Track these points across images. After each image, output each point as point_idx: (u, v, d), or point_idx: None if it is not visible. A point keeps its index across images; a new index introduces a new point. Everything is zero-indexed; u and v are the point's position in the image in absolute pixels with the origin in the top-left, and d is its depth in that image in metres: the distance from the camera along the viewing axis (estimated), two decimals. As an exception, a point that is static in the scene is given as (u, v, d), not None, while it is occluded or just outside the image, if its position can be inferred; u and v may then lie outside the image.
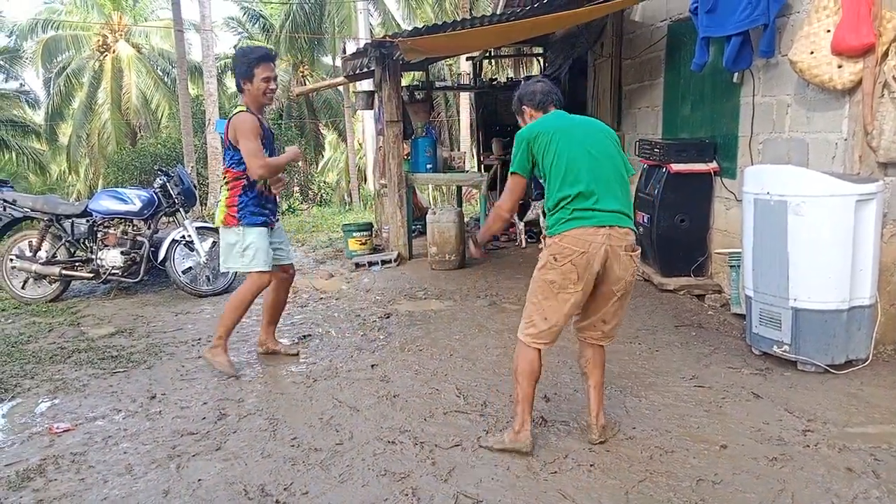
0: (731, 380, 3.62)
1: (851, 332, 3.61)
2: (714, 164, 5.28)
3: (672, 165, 5.28)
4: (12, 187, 6.35)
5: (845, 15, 3.78)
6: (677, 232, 5.38)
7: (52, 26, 25.38)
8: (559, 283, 2.74)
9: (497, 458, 2.84)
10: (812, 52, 3.95)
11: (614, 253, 2.73)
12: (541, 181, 2.99)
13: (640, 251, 2.88)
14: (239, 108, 3.83)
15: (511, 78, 12.60)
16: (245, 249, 3.87)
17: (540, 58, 11.49)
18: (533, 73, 13.02)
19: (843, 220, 3.49)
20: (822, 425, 3.05)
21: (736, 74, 4.93)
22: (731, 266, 4.73)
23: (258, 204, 3.88)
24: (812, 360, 3.62)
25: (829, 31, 3.88)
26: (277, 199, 4.06)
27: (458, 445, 2.97)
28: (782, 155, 4.48)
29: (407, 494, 2.59)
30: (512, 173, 2.94)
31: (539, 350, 2.86)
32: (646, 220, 5.60)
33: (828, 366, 3.60)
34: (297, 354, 4.30)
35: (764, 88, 4.70)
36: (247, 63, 3.73)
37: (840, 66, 3.85)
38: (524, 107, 3.06)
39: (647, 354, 4.09)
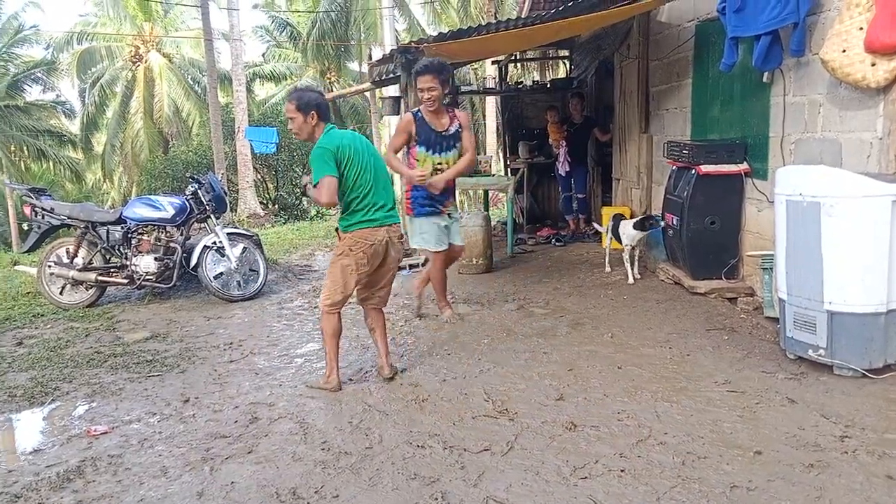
0: (764, 384, 3.56)
1: (890, 335, 3.52)
2: (744, 166, 5.21)
3: (701, 167, 5.22)
4: (50, 196, 6.51)
5: (879, 12, 3.70)
6: (707, 234, 5.30)
7: (86, 38, 26.01)
8: (353, 266, 3.70)
9: (527, 463, 2.83)
10: (844, 51, 3.87)
11: (392, 242, 3.79)
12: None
13: (404, 238, 4.20)
14: (413, 110, 4.77)
15: (537, 81, 12.60)
16: (422, 233, 4.85)
17: (566, 60, 11.46)
18: (559, 76, 12.97)
19: (879, 220, 3.41)
20: (861, 431, 2.98)
21: (766, 74, 4.85)
22: (763, 269, 4.66)
23: (426, 196, 4.73)
24: (849, 365, 3.54)
25: (861, 28, 3.80)
26: (450, 190, 4.82)
27: (487, 450, 2.97)
28: (815, 155, 4.40)
29: (436, 499, 2.59)
30: (327, 176, 3.55)
31: (339, 314, 3.80)
32: (675, 223, 5.54)
33: (865, 370, 3.52)
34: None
35: (795, 88, 4.62)
36: (413, 75, 4.71)
37: (874, 64, 3.77)
38: (313, 112, 3.64)
39: (678, 359, 4.04)
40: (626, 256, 6.09)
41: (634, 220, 6.18)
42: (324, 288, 3.85)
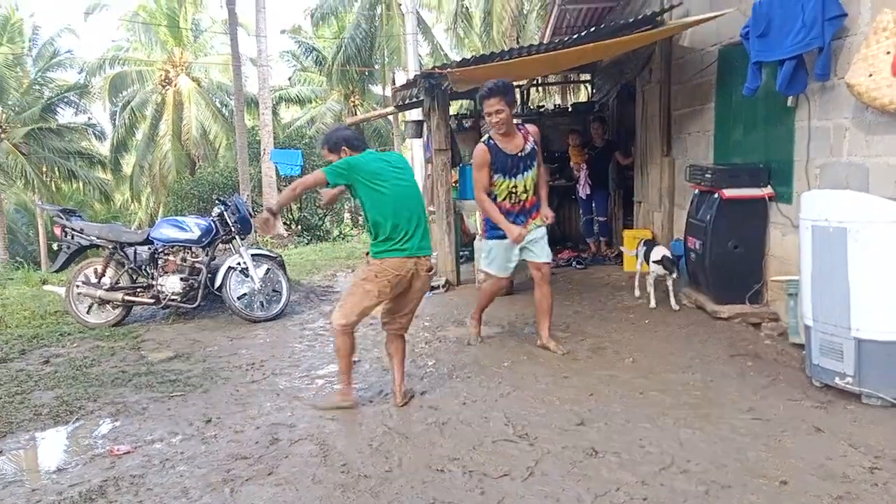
0: (790, 412, 3.50)
1: (920, 363, 3.44)
2: (768, 190, 5.16)
3: (724, 191, 5.18)
4: (80, 216, 6.66)
5: (905, 36, 3.68)
6: (731, 258, 5.25)
7: (118, 63, 26.74)
8: (374, 292, 3.69)
9: (547, 490, 2.80)
10: (871, 75, 3.84)
11: (418, 275, 3.78)
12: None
13: (434, 270, 3.96)
14: (484, 138, 4.60)
15: (558, 105, 12.65)
16: (486, 256, 4.82)
17: (587, 84, 11.50)
18: (581, 100, 13.01)
19: (907, 246, 3.35)
20: (891, 462, 2.91)
21: (790, 98, 4.82)
22: (788, 294, 4.59)
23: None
24: (877, 394, 3.46)
25: (888, 52, 3.77)
26: (527, 210, 4.67)
27: (507, 475, 2.95)
28: (841, 180, 4.35)
29: (456, 524, 2.57)
30: (322, 173, 3.65)
31: (352, 333, 3.80)
32: (697, 247, 5.49)
33: (895, 399, 3.44)
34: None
35: (820, 112, 4.59)
36: (478, 100, 4.48)
37: (901, 89, 3.73)
38: (345, 148, 3.77)
39: (701, 385, 3.98)
40: (649, 280, 5.98)
41: (665, 252, 5.80)
42: (339, 306, 3.82)
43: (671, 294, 5.78)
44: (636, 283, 6.37)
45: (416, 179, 3.88)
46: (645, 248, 6.23)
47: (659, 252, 5.83)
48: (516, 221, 4.62)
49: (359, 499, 2.81)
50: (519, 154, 4.53)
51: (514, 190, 4.60)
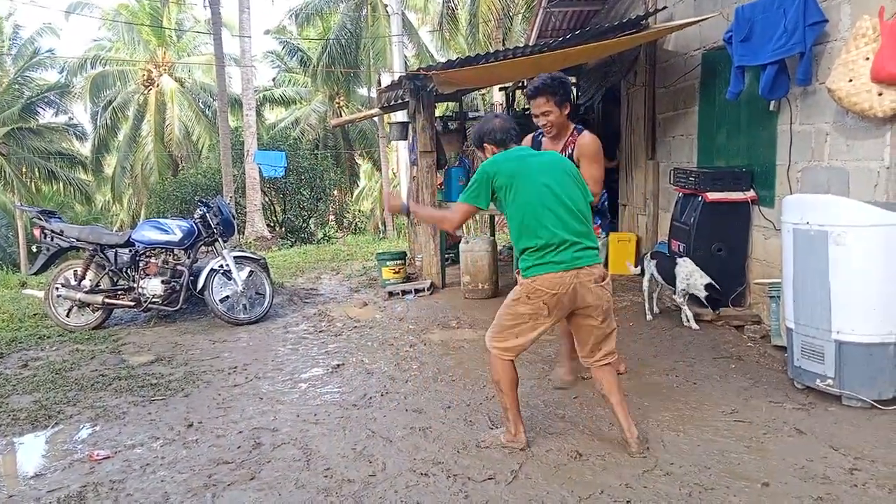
0: (772, 414, 3.52)
1: (899, 365, 3.48)
2: (751, 193, 5.21)
3: (708, 194, 5.23)
4: (60, 218, 6.56)
5: (885, 42, 3.73)
6: (714, 261, 5.28)
7: (100, 63, 26.43)
8: (528, 315, 3.09)
9: (531, 493, 2.80)
10: (851, 80, 3.89)
11: (585, 287, 3.04)
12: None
13: (608, 279, 3.16)
14: (537, 132, 3.97)
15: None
16: None
17: (572, 87, 11.54)
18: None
19: (886, 249, 3.40)
20: (871, 464, 2.94)
21: (772, 102, 4.87)
22: (770, 297, 4.63)
23: None
24: (857, 395, 3.50)
25: (868, 58, 3.83)
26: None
27: (491, 479, 2.94)
28: (822, 184, 4.40)
29: (440, 528, 2.56)
30: (461, 203, 3.23)
31: (512, 360, 3.20)
32: (681, 249, 5.53)
33: (874, 401, 3.48)
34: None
35: (801, 116, 4.64)
36: (526, 99, 3.84)
37: (881, 94, 3.78)
38: (486, 144, 3.31)
39: (684, 387, 4.00)
40: (651, 290, 5.45)
41: (707, 278, 4.92)
42: (493, 326, 3.22)
43: (683, 310, 5.19)
44: (646, 308, 5.57)
45: (574, 177, 3.19)
46: (655, 261, 5.40)
47: (698, 278, 4.94)
48: None
49: (342, 503, 2.79)
50: None
51: None
